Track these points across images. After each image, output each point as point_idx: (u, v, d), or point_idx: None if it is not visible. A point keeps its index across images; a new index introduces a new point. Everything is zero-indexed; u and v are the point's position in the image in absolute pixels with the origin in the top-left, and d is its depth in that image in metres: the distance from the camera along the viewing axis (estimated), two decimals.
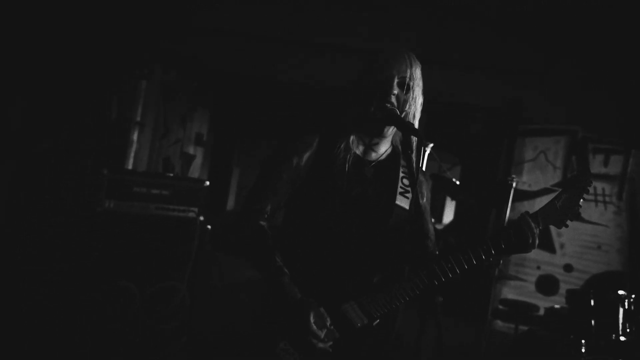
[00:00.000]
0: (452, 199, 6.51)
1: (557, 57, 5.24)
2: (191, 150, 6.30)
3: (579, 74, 5.25)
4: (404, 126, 1.60)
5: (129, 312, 3.39)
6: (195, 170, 6.27)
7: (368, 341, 1.69)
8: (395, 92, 1.66)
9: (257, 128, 6.68)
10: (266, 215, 1.70)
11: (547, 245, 5.41)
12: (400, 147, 1.75)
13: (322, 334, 1.56)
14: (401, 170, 1.76)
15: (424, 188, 1.86)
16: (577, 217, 1.67)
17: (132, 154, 5.86)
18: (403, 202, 1.72)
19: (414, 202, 1.58)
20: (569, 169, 5.42)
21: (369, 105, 1.67)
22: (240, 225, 1.71)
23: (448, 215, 7.60)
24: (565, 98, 5.35)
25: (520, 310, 4.15)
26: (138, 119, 5.90)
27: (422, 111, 1.76)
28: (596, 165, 5.39)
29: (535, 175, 5.49)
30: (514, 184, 4.19)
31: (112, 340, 3.31)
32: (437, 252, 1.87)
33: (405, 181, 1.74)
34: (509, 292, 5.28)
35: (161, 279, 3.51)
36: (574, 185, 1.66)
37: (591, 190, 5.30)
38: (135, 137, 5.88)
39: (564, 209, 1.64)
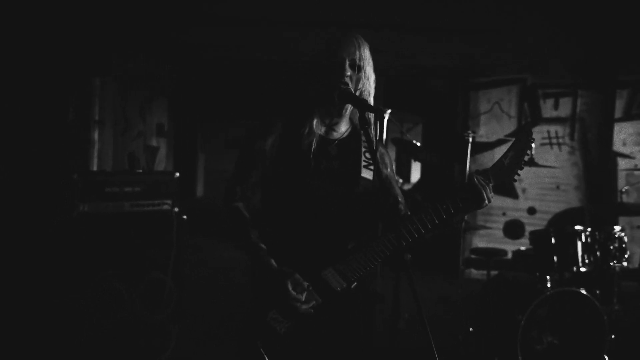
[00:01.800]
0: (415, 159, 6.70)
1: (506, 12, 5.38)
2: (154, 142, 6.29)
3: (526, 24, 5.42)
4: (360, 103, 1.73)
5: (117, 308, 3.48)
6: (160, 162, 6.28)
7: (351, 303, 1.84)
8: (348, 73, 1.78)
9: (218, 111, 6.69)
10: (237, 197, 1.82)
11: (510, 191, 5.69)
12: (359, 125, 1.88)
13: (302, 297, 1.69)
14: (363, 145, 1.90)
15: (386, 159, 2.00)
16: (522, 168, 1.83)
17: (96, 154, 5.82)
18: (367, 174, 1.86)
19: (376, 173, 1.71)
20: (523, 116, 5.67)
21: (326, 87, 1.79)
22: (221, 209, 1.85)
23: (415, 175, 7.84)
24: (514, 49, 5.54)
25: (489, 257, 4.38)
26: (96, 117, 5.85)
27: (382, 75, 1.89)
28: (547, 109, 5.65)
29: (492, 126, 5.72)
30: (471, 139, 4.32)
31: (105, 338, 3.41)
32: (408, 213, 2.02)
33: (368, 155, 1.88)
34: (479, 241, 5.57)
35: (146, 273, 3.60)
36: (518, 142, 1.83)
37: (545, 134, 5.61)
38: (96, 136, 5.84)
39: (511, 166, 1.81)
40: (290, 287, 1.69)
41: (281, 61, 5.92)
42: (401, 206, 1.98)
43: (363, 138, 1.90)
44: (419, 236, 1.75)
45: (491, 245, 5.40)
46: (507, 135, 5.63)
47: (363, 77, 1.81)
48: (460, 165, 5.64)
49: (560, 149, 5.63)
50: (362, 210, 1.88)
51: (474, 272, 5.66)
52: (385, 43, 5.36)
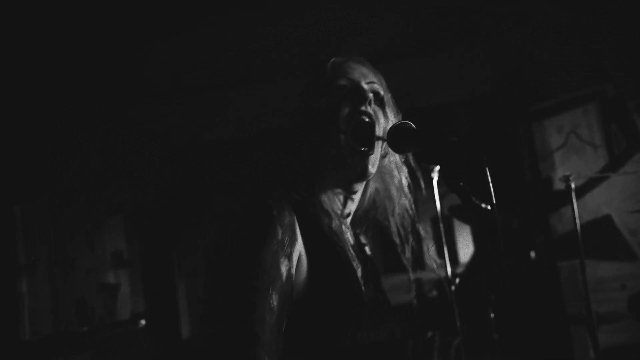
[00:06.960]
0: (483, 227, 5.02)
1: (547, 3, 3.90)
2: (111, 278, 4.65)
3: (580, 13, 3.91)
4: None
5: None
6: (124, 303, 4.61)
7: None
8: (370, 104, 1.23)
9: (194, 215, 5.10)
10: (266, 347, 1.10)
11: (624, 251, 3.91)
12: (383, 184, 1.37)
13: None
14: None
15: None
16: None
17: (27, 313, 4.16)
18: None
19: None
20: (614, 142, 3.99)
21: (337, 135, 1.21)
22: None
23: (465, 252, 5.96)
24: (575, 52, 3.98)
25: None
26: (22, 261, 4.24)
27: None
28: None
29: (573, 164, 4.04)
30: (573, 185, 2.87)
31: None
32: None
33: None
34: (607, 338, 3.67)
35: None
36: None
37: None
38: (24, 287, 4.20)
39: None
40: None
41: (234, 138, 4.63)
42: None
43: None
44: None
45: (623, 339, 3.56)
46: (600, 172, 3.95)
47: (382, 118, 1.25)
48: (543, 224, 3.96)
49: None
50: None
51: None
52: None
